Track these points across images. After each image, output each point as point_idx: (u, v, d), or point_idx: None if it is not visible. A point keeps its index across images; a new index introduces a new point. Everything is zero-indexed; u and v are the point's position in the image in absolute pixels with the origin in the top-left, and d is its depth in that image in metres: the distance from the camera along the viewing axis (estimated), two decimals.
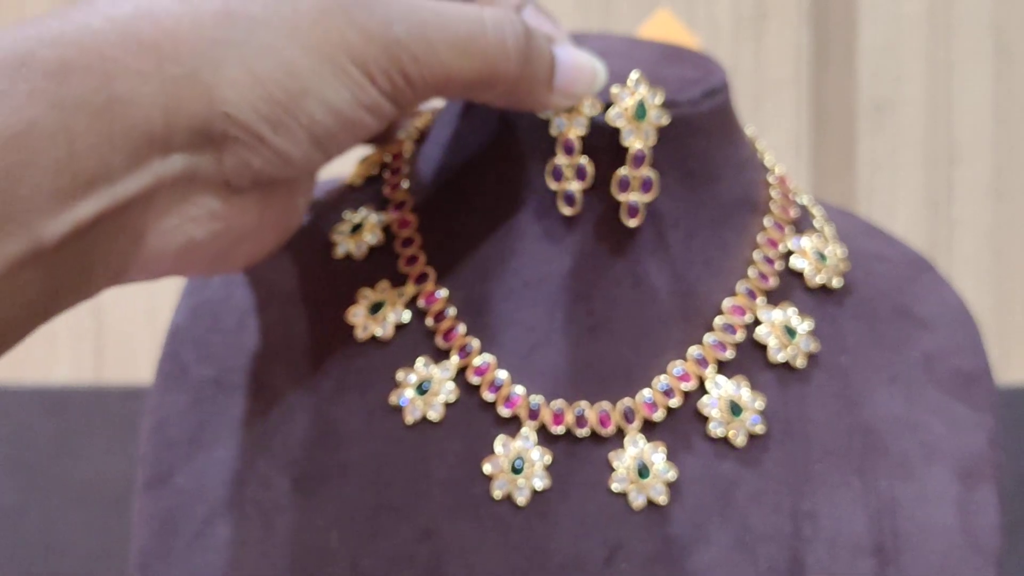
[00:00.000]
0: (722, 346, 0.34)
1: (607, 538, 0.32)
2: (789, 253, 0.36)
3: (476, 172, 0.35)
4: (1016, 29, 0.71)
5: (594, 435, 0.33)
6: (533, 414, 0.33)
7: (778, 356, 0.34)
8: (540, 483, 0.32)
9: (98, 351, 0.81)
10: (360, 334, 0.34)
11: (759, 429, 0.33)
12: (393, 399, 0.33)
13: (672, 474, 0.32)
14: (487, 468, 0.32)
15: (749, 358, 0.34)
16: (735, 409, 0.33)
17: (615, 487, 0.32)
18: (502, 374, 0.33)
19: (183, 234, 0.29)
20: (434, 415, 0.33)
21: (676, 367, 0.34)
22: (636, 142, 0.33)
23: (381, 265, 0.35)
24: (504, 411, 0.33)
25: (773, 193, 0.37)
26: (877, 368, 0.35)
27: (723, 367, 0.34)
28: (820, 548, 0.32)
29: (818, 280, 0.36)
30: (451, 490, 0.32)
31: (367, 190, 0.37)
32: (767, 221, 0.36)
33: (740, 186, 0.36)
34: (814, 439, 0.33)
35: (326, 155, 0.30)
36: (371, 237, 0.35)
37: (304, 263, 0.36)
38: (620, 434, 0.33)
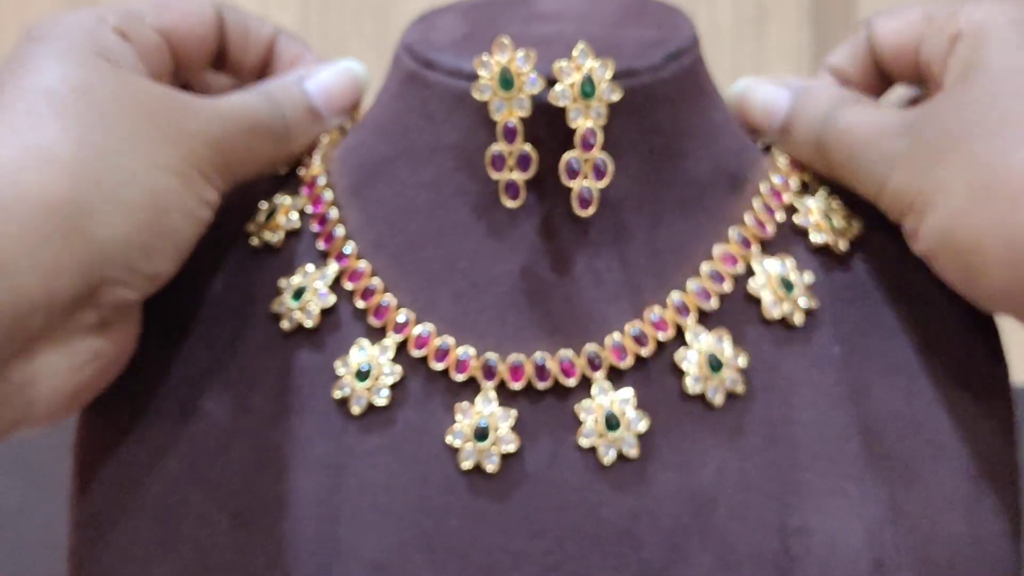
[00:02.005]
0: (706, 294, 0.31)
1: (575, 569, 0.29)
2: (793, 210, 0.33)
3: (412, 162, 0.32)
4: None
5: (558, 387, 0.30)
6: (489, 372, 0.30)
7: (773, 311, 0.31)
8: (508, 447, 0.30)
9: None
10: (286, 326, 0.32)
11: (740, 388, 0.31)
12: (336, 393, 0.31)
13: (644, 424, 0.30)
14: (449, 439, 0.30)
15: (739, 312, 0.31)
16: (714, 364, 0.30)
17: (583, 442, 0.30)
18: (447, 339, 0.31)
19: (72, 382, 0.29)
20: (380, 401, 0.31)
21: (652, 313, 0.31)
22: (585, 122, 0.29)
23: (302, 250, 0.33)
24: (458, 376, 0.30)
25: (780, 161, 0.34)
26: (875, 356, 0.32)
27: (707, 320, 0.31)
28: (812, 567, 0.30)
29: (822, 239, 0.32)
30: (403, 518, 0.30)
31: (286, 180, 0.35)
32: (764, 187, 0.33)
33: (712, 159, 0.33)
34: (803, 443, 0.31)
35: (180, 264, 0.30)
36: (285, 220, 0.33)
37: (226, 264, 0.33)
38: (586, 384, 0.31)
